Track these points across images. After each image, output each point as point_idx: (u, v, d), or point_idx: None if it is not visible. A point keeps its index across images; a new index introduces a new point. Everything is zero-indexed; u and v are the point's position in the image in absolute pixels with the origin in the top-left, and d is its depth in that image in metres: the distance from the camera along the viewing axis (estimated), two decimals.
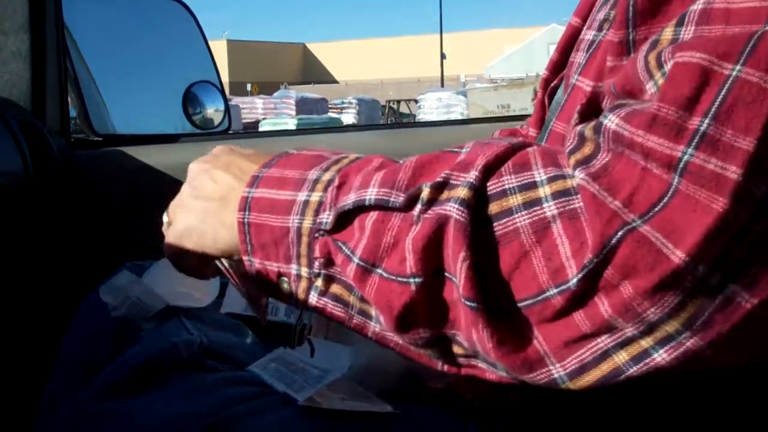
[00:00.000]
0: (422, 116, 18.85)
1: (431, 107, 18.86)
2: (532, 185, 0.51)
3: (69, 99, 1.83)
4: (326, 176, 0.62)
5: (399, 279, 0.54)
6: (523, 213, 0.51)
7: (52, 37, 1.73)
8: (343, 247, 0.58)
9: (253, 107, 20.41)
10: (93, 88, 2.02)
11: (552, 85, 0.87)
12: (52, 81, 1.73)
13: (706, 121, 0.46)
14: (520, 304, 0.51)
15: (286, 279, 0.63)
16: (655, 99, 0.49)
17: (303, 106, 20.01)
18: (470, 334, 0.53)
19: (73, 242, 1.70)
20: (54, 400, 0.89)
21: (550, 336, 0.51)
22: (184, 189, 0.73)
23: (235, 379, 0.77)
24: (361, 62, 60.43)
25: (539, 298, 0.50)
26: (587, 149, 0.51)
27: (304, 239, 0.60)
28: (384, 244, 0.55)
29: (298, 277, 0.62)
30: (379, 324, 0.59)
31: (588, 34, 0.76)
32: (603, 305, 0.49)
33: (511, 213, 0.51)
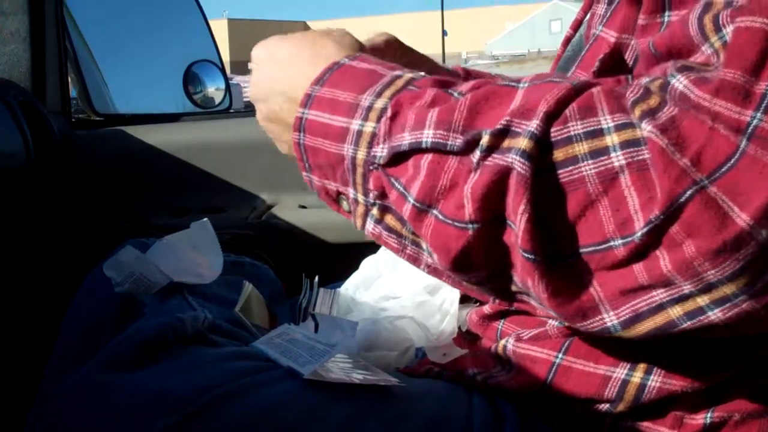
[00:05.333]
0: None
1: None
2: (599, 132, 0.51)
3: (69, 79, 1.82)
4: (379, 103, 0.60)
5: (456, 224, 0.54)
6: (590, 162, 0.50)
7: (52, 17, 1.72)
8: (396, 184, 0.58)
9: None
10: (93, 67, 2.02)
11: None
12: (51, 61, 1.73)
13: None
14: (581, 251, 0.51)
15: (345, 198, 0.65)
16: (720, 65, 0.49)
17: None
18: (525, 281, 0.54)
19: (75, 221, 1.70)
20: (57, 373, 0.89)
21: (606, 283, 0.51)
22: (253, 80, 0.75)
23: (239, 353, 0.77)
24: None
25: (602, 246, 0.50)
26: (653, 102, 0.50)
27: (359, 170, 0.61)
28: (440, 186, 0.55)
29: (356, 201, 0.63)
30: (432, 258, 0.59)
31: None
32: (664, 260, 0.49)
33: (577, 161, 0.50)
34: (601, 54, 0.68)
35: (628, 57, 0.68)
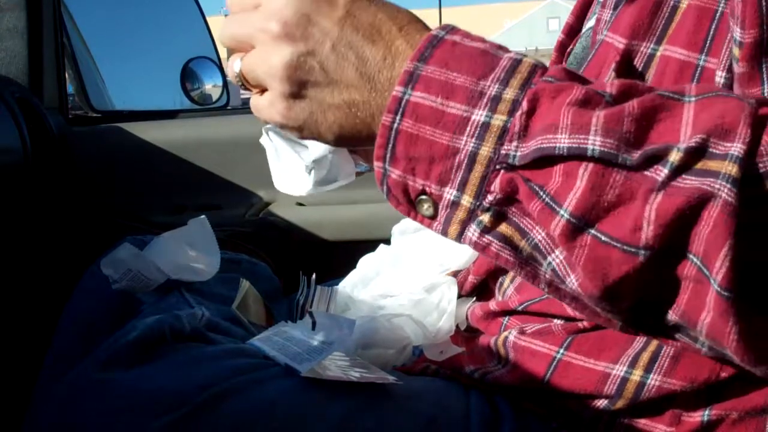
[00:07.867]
0: None
1: None
2: None
3: (66, 75, 1.82)
4: (509, 94, 0.51)
5: (625, 247, 0.47)
6: None
7: (49, 13, 1.72)
8: (541, 193, 0.50)
9: None
10: (91, 64, 2.02)
11: (568, 49, 0.86)
12: (49, 58, 1.73)
13: None
14: None
15: (427, 199, 0.54)
16: None
17: None
18: (697, 317, 0.48)
19: (72, 218, 1.70)
20: (54, 371, 0.89)
21: None
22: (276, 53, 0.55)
23: (237, 351, 0.77)
24: None
25: None
26: None
27: (479, 167, 0.51)
28: (604, 202, 0.47)
29: (454, 204, 0.53)
30: (565, 280, 0.51)
31: None
32: None
33: None
34: (608, 60, 0.67)
35: (638, 63, 0.65)
